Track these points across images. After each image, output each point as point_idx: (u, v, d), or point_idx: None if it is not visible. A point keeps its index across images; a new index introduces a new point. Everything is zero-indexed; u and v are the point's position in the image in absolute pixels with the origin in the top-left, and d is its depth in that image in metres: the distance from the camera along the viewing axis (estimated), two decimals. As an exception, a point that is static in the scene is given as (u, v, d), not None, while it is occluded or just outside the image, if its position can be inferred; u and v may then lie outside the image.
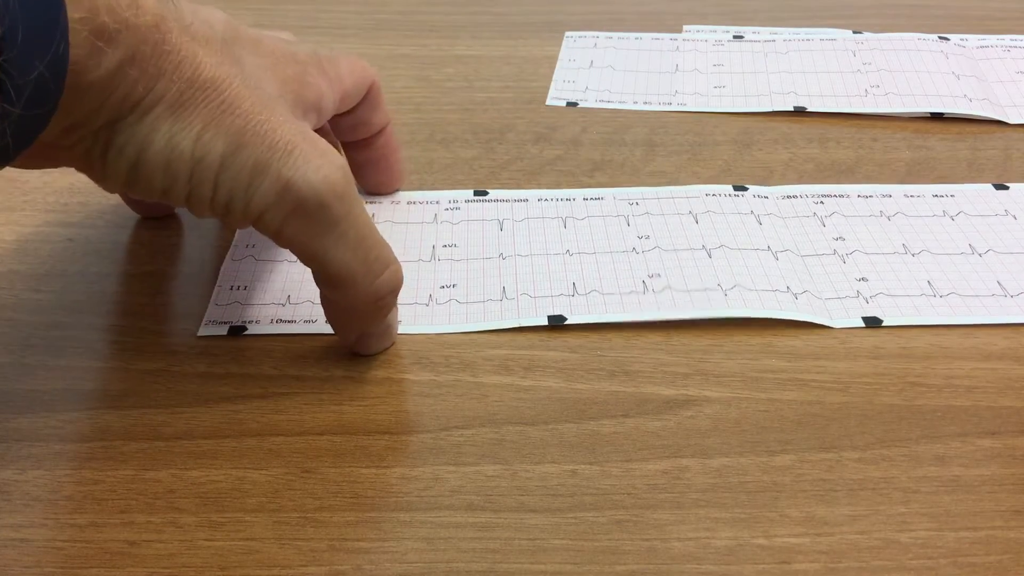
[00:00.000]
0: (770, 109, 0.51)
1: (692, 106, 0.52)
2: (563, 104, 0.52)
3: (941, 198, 0.43)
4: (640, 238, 0.40)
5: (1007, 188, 0.44)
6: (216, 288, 0.38)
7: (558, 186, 0.45)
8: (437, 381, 0.34)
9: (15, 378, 0.34)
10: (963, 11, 0.62)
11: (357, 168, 0.42)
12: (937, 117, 0.50)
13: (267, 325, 0.36)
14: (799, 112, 0.51)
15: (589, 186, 0.45)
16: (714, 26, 0.60)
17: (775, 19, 0.61)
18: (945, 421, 0.32)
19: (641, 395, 0.33)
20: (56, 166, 0.31)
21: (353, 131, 0.41)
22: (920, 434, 0.32)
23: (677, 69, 0.55)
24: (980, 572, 0.27)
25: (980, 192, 0.44)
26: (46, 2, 0.25)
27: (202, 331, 0.36)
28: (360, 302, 0.32)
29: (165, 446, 0.31)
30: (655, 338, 0.36)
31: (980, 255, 0.39)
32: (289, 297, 0.37)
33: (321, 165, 0.30)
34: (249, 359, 0.35)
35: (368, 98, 0.39)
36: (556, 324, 0.36)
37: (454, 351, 0.35)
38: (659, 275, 0.38)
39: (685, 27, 0.60)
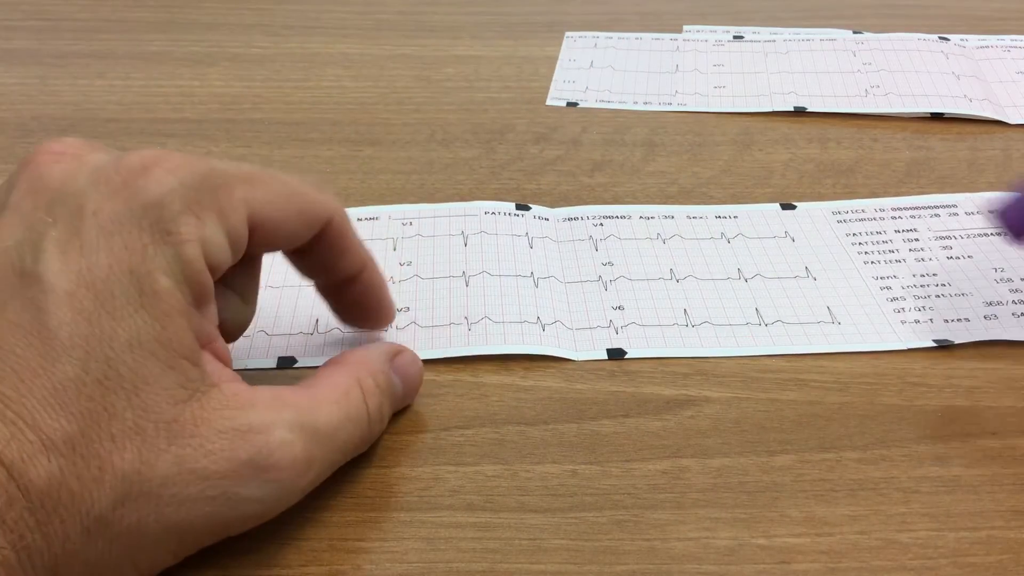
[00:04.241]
0: (770, 109, 0.51)
1: (692, 106, 0.52)
2: (563, 104, 0.52)
3: (723, 219, 0.41)
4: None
5: (794, 208, 0.42)
6: None
7: (558, 186, 0.45)
8: (437, 381, 0.34)
9: (15, 378, 0.34)
10: (963, 11, 0.62)
11: (333, 306, 0.33)
12: (937, 117, 0.50)
13: None
14: (799, 112, 0.51)
15: (589, 186, 0.45)
16: (714, 26, 0.60)
17: (775, 19, 0.61)
18: (945, 421, 0.32)
19: (641, 395, 0.33)
20: None
21: (313, 272, 0.32)
22: (920, 434, 0.32)
23: (677, 69, 0.55)
24: (980, 572, 0.27)
25: (765, 213, 0.42)
26: None
27: None
28: None
29: (165, 446, 0.31)
30: (655, 338, 0.36)
31: (746, 280, 0.38)
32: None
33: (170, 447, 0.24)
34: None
35: (325, 239, 0.30)
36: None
37: (454, 351, 0.35)
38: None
39: (685, 27, 0.60)
